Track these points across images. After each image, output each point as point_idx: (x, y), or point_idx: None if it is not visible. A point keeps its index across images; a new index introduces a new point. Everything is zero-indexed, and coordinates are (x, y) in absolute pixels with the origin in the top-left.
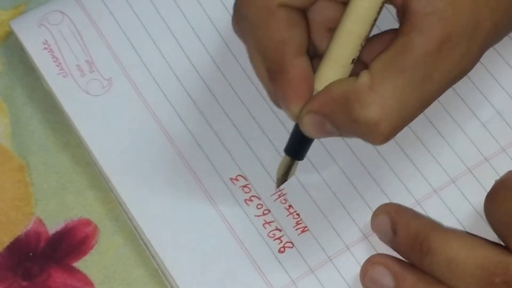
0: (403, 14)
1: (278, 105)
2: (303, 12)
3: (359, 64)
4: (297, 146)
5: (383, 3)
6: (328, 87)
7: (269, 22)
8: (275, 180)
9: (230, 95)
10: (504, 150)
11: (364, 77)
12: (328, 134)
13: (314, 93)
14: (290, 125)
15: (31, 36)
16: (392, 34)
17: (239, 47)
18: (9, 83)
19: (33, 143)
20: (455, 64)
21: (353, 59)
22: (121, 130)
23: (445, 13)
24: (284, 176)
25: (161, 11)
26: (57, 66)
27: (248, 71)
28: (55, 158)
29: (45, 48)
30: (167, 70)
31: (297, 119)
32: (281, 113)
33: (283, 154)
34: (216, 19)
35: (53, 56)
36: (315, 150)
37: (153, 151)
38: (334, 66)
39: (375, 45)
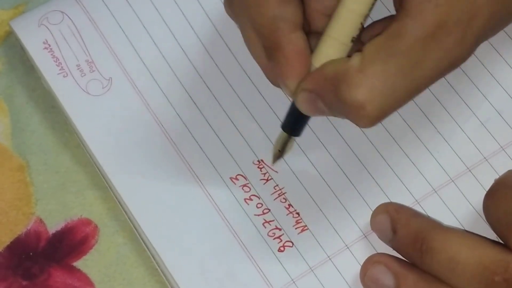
0: (400, 1)
1: (275, 83)
2: None
3: (360, 46)
4: (294, 123)
5: None
6: (322, 66)
7: (261, 0)
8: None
9: (230, 95)
10: (503, 149)
11: (356, 58)
12: (321, 112)
13: (312, 69)
14: None
15: (31, 36)
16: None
17: (239, 48)
18: (9, 83)
19: (33, 143)
20: (448, 51)
21: (353, 38)
22: (121, 130)
23: (440, 0)
24: (280, 152)
25: (161, 11)
26: (57, 66)
27: (249, 72)
28: (55, 158)
29: (45, 48)
30: (167, 70)
31: (294, 95)
32: (281, 113)
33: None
34: (217, 21)
35: (53, 56)
36: (315, 150)
37: (153, 151)
38: (334, 44)
39: (376, 30)
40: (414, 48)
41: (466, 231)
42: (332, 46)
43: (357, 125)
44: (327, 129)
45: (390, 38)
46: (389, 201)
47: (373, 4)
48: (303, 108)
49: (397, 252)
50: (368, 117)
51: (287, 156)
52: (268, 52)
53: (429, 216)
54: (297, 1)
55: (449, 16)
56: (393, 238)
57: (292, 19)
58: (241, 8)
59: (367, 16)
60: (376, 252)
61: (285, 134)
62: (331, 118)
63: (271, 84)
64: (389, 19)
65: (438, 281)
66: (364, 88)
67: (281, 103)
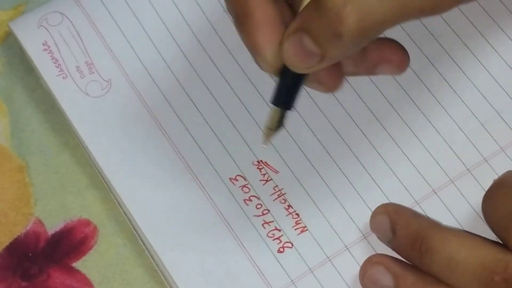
0: None
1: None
2: None
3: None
4: (283, 94)
5: None
6: (303, 8)
7: None
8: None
9: (230, 96)
10: (503, 150)
11: None
12: (309, 56)
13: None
14: (289, 124)
15: (31, 37)
16: None
17: (239, 49)
18: (9, 83)
19: (32, 143)
20: None
21: None
22: (121, 131)
23: None
24: (271, 130)
25: (160, 12)
26: (57, 67)
27: (248, 72)
28: (55, 158)
29: (45, 49)
30: (166, 71)
31: (271, 67)
32: None
33: (281, 153)
34: (215, 21)
35: (53, 58)
36: (315, 150)
37: (152, 152)
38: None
39: None
40: None
41: (466, 231)
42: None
43: (341, 38)
44: (327, 129)
45: None
46: (388, 202)
47: None
48: (291, 57)
49: (397, 252)
50: (350, 24)
51: (288, 157)
52: (237, 20)
53: (428, 217)
54: None
55: None
56: (392, 238)
57: None
58: None
59: None
60: (375, 253)
61: (275, 109)
62: (332, 118)
63: (271, 85)
64: None
65: (437, 281)
66: None
67: None
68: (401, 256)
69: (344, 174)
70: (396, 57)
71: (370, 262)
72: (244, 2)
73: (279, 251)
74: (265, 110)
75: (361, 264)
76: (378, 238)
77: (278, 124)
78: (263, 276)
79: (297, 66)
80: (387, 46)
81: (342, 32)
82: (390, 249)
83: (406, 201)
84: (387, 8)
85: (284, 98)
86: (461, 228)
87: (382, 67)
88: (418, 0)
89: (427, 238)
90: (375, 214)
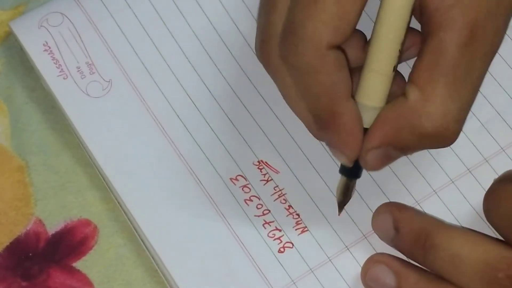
0: (421, 13)
1: (321, 139)
2: (344, 51)
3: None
4: (353, 167)
5: (413, 6)
6: (380, 119)
7: (320, 67)
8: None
9: (230, 96)
10: (503, 150)
11: (414, 92)
12: (394, 160)
13: (359, 105)
14: (289, 124)
15: (31, 37)
16: None
17: (239, 48)
18: (9, 83)
19: (33, 143)
20: (490, 45)
21: (394, 67)
22: (121, 132)
23: (464, 0)
24: (344, 198)
25: (161, 13)
26: (57, 68)
27: (248, 72)
28: (55, 158)
29: (45, 50)
30: (167, 71)
31: (351, 162)
32: (280, 113)
33: (282, 153)
34: (215, 21)
35: (53, 58)
36: (315, 151)
37: (152, 152)
38: (377, 77)
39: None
40: (461, 57)
41: (469, 229)
42: (376, 79)
43: (441, 147)
44: None
45: (435, 58)
46: (389, 201)
47: (407, 29)
48: (374, 166)
49: (399, 250)
50: (453, 135)
51: (288, 157)
52: (321, 123)
53: (431, 215)
54: (347, 63)
55: (479, 12)
56: (395, 237)
57: (347, 84)
58: (295, 75)
59: (403, 42)
60: (376, 252)
61: (344, 178)
62: None
63: (271, 84)
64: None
65: (440, 279)
66: (439, 113)
67: (281, 103)
68: (404, 254)
69: None
70: (418, 39)
71: (372, 261)
72: (330, 102)
73: (279, 251)
74: (265, 110)
75: (361, 264)
76: (380, 237)
77: (349, 191)
78: (264, 276)
79: (379, 168)
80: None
81: (444, 145)
82: (391, 249)
83: (406, 201)
84: (471, 99)
85: (353, 170)
86: None
87: (412, 51)
88: (482, 71)
89: (431, 235)
90: (378, 213)
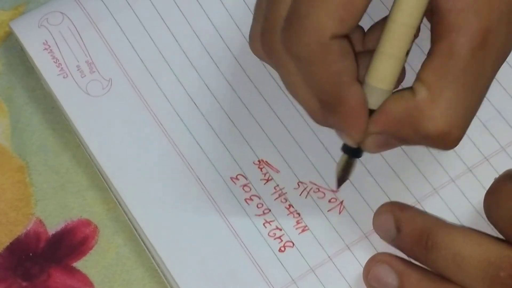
0: (432, 14)
1: (323, 125)
2: (349, 38)
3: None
4: (355, 149)
5: None
6: (385, 108)
7: (324, 56)
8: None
9: (230, 95)
10: (504, 149)
11: (422, 91)
12: (391, 147)
13: (367, 87)
14: (290, 124)
15: (31, 36)
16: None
17: (239, 48)
18: (9, 83)
19: (33, 143)
20: (501, 51)
21: (408, 51)
22: (121, 131)
23: (478, 4)
24: (344, 175)
25: (161, 12)
26: (57, 67)
27: (248, 71)
28: (55, 158)
29: (45, 49)
30: (167, 70)
31: (356, 144)
32: (281, 112)
33: (282, 153)
34: (216, 20)
35: (53, 57)
36: (315, 150)
37: (153, 152)
38: (389, 60)
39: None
40: (472, 61)
41: (471, 228)
42: (387, 62)
43: (441, 150)
44: (327, 129)
45: (445, 60)
46: (389, 200)
47: (423, 15)
48: (372, 149)
49: (401, 250)
50: (455, 140)
51: (289, 156)
52: (327, 107)
53: (433, 214)
54: (353, 50)
55: (491, 16)
56: (397, 236)
57: (352, 71)
58: (299, 65)
59: (418, 28)
60: (379, 252)
61: (346, 156)
62: None
63: (271, 84)
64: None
65: (442, 279)
66: (444, 117)
67: (281, 102)
68: (405, 254)
69: None
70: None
71: (374, 261)
72: (337, 90)
73: (280, 250)
74: (266, 109)
75: (362, 263)
76: (381, 237)
77: (350, 169)
78: (264, 275)
79: (377, 152)
80: None
81: (444, 148)
82: (391, 248)
83: (407, 200)
84: (477, 104)
85: (355, 149)
86: None
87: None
88: (491, 77)
89: (433, 234)
90: (379, 212)
